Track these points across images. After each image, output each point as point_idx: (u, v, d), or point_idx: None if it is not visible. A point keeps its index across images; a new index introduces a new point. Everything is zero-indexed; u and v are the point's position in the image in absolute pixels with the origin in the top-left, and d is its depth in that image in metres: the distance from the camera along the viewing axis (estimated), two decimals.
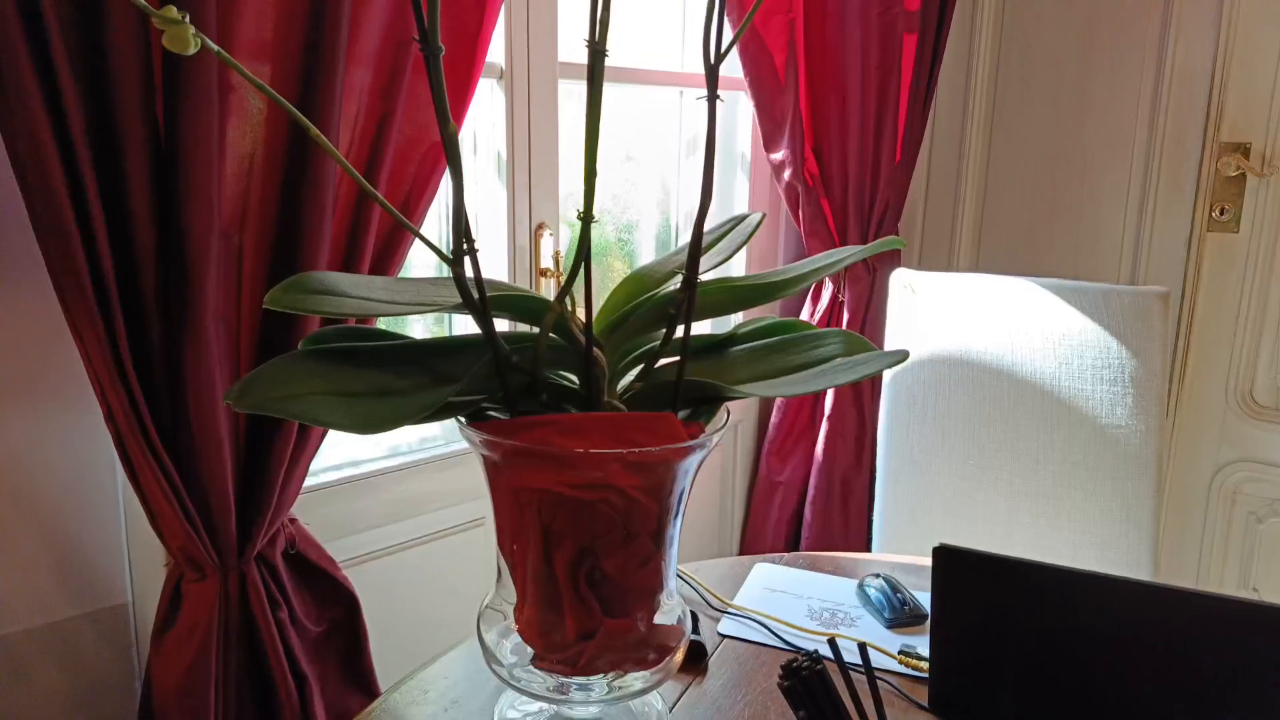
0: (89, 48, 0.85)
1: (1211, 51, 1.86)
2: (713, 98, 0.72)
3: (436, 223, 1.53)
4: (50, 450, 1.02)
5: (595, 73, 0.66)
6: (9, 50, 0.80)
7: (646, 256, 2.04)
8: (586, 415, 0.69)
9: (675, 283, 0.78)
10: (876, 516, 1.52)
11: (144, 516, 0.99)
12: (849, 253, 0.80)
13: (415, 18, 0.59)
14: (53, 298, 0.91)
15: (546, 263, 1.56)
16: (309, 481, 1.27)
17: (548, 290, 1.58)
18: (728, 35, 1.55)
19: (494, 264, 1.53)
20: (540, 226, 1.55)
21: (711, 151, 0.71)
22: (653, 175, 2.01)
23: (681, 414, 0.75)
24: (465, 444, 1.49)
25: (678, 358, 0.74)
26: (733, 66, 1.79)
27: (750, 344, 0.82)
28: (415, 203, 1.15)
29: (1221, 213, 1.88)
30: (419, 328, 1.58)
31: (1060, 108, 2.06)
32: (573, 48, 1.57)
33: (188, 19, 0.56)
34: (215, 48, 0.57)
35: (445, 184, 1.26)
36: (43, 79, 0.82)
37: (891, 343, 1.50)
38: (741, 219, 0.83)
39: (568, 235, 1.66)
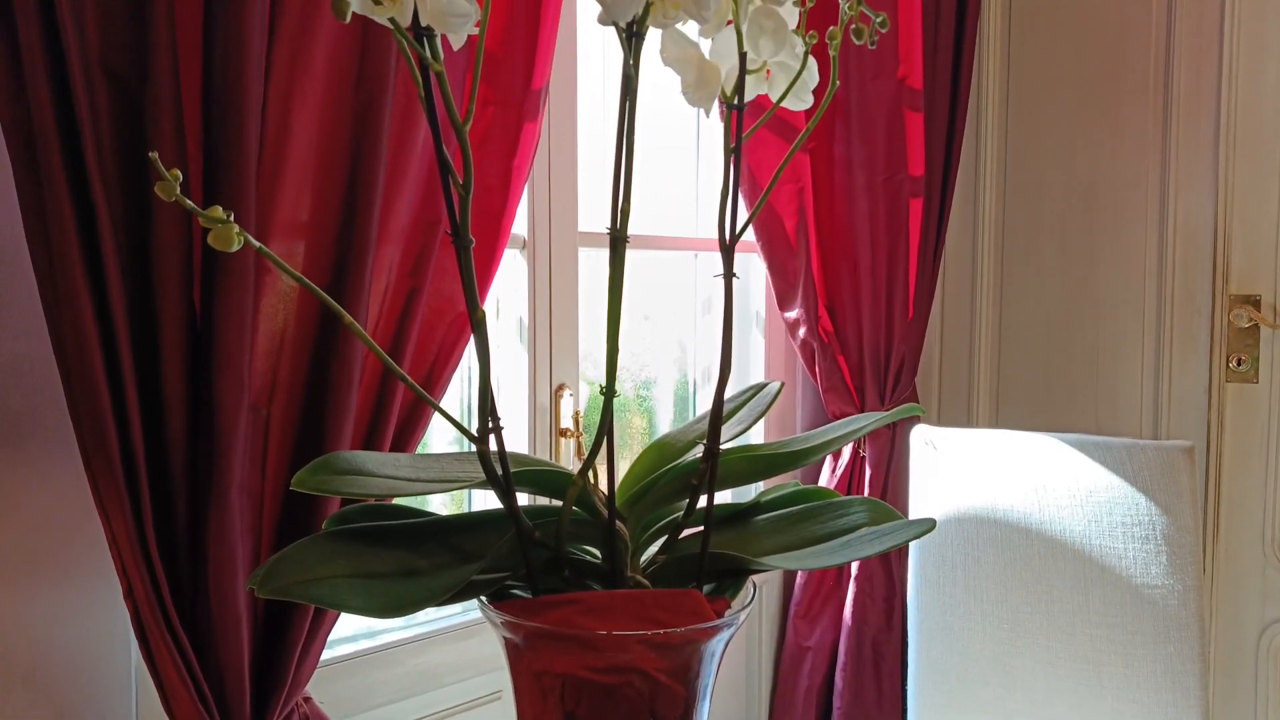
0: (135, 236, 0.90)
1: (1212, 207, 1.92)
2: (729, 275, 0.74)
3: (459, 384, 1.55)
4: (65, 629, 1.01)
5: (617, 257, 0.69)
6: (62, 245, 0.85)
7: (665, 413, 2.06)
8: (610, 593, 0.68)
9: (697, 451, 0.78)
10: (911, 686, 1.46)
11: (155, 698, 0.97)
12: (868, 420, 0.80)
13: (447, 211, 0.63)
14: (79, 476, 0.92)
15: (566, 423, 1.58)
16: (322, 655, 1.24)
17: (568, 450, 1.58)
18: (743, 215, 1.62)
19: (515, 424, 1.54)
20: (560, 387, 1.58)
21: (729, 326, 0.73)
22: (670, 333, 2.05)
23: (706, 588, 0.73)
24: (481, 614, 1.46)
25: (701, 528, 0.73)
26: (745, 232, 1.86)
27: (774, 513, 0.81)
28: (440, 371, 1.18)
29: (1239, 363, 1.89)
30: (440, 500, 1.57)
31: (1068, 263, 2.11)
32: (592, 217, 1.63)
33: (232, 217, 0.59)
34: (256, 244, 0.60)
35: (469, 351, 1.29)
36: (90, 273, 0.86)
37: (915, 502, 1.48)
38: (761, 388, 0.85)
39: (586, 393, 1.68)
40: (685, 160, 1.98)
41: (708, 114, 0.76)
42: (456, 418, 1.58)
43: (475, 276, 0.64)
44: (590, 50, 1.62)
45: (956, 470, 1.45)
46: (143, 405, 0.91)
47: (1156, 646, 1.30)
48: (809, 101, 0.79)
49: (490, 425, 0.65)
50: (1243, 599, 1.91)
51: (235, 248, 0.58)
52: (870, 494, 1.87)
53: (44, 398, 0.99)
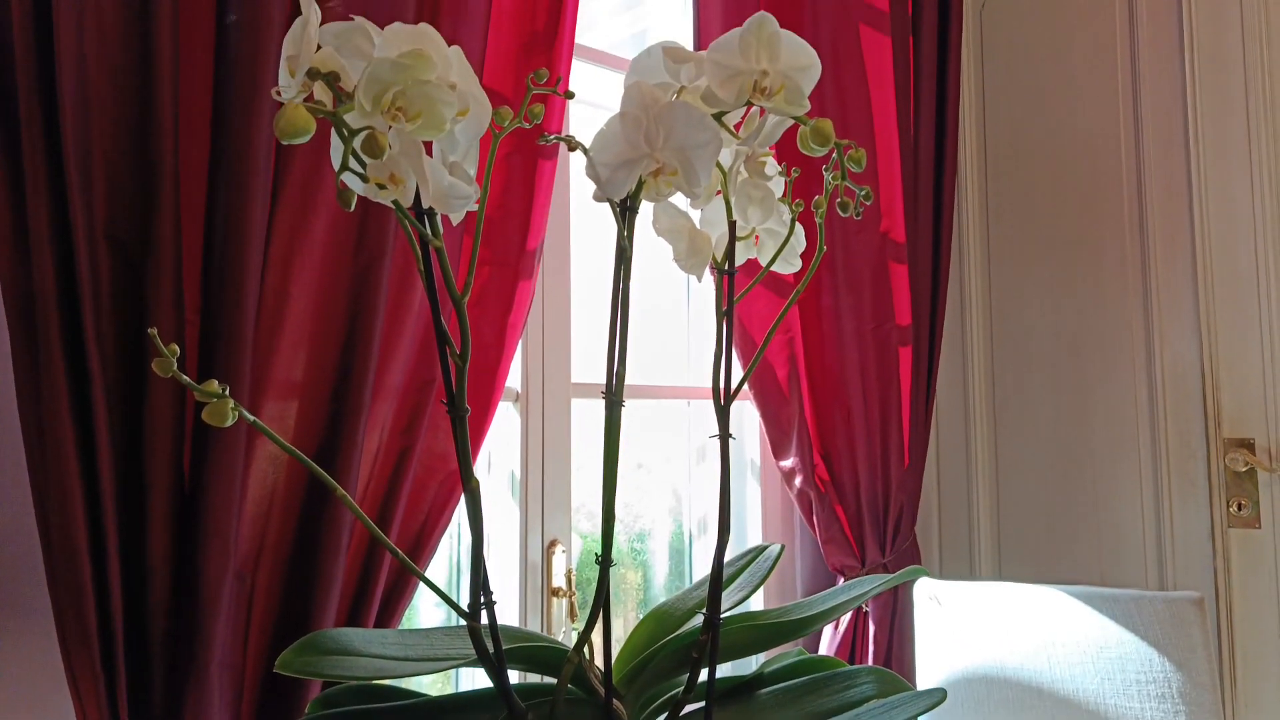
0: (128, 406, 0.89)
1: (1197, 351, 1.94)
2: (724, 436, 0.74)
3: (447, 540, 1.52)
4: None
5: (613, 421, 0.68)
6: (54, 411, 0.84)
7: (660, 566, 2.01)
8: None
9: (696, 620, 0.75)
10: None
11: None
12: (872, 584, 0.78)
13: (443, 380, 0.63)
14: (53, 656, 0.88)
15: (559, 580, 1.53)
16: None
17: (560, 611, 1.53)
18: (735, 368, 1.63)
19: (505, 583, 1.50)
20: (553, 543, 1.54)
21: (726, 487, 0.72)
22: (664, 482, 2.03)
23: None
24: None
25: (703, 703, 0.70)
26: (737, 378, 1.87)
27: (778, 685, 0.78)
28: (430, 531, 1.16)
29: (1239, 508, 1.87)
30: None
31: (1060, 408, 2.12)
32: (585, 367, 1.64)
33: (228, 390, 0.59)
34: (250, 418, 0.59)
35: (461, 508, 1.27)
36: (81, 440, 0.85)
37: (923, 661, 1.43)
38: (760, 550, 0.83)
39: (579, 548, 1.64)
40: (677, 307, 2.01)
41: (700, 280, 0.77)
42: (445, 576, 1.53)
43: (470, 442, 0.63)
44: (582, 202, 1.67)
45: (963, 626, 1.40)
46: (124, 575, 0.88)
47: None
48: (798, 265, 0.81)
49: (483, 600, 0.63)
50: None
51: (229, 423, 0.58)
52: (875, 654, 1.81)
53: (21, 567, 0.96)
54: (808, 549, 2.02)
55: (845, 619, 1.89)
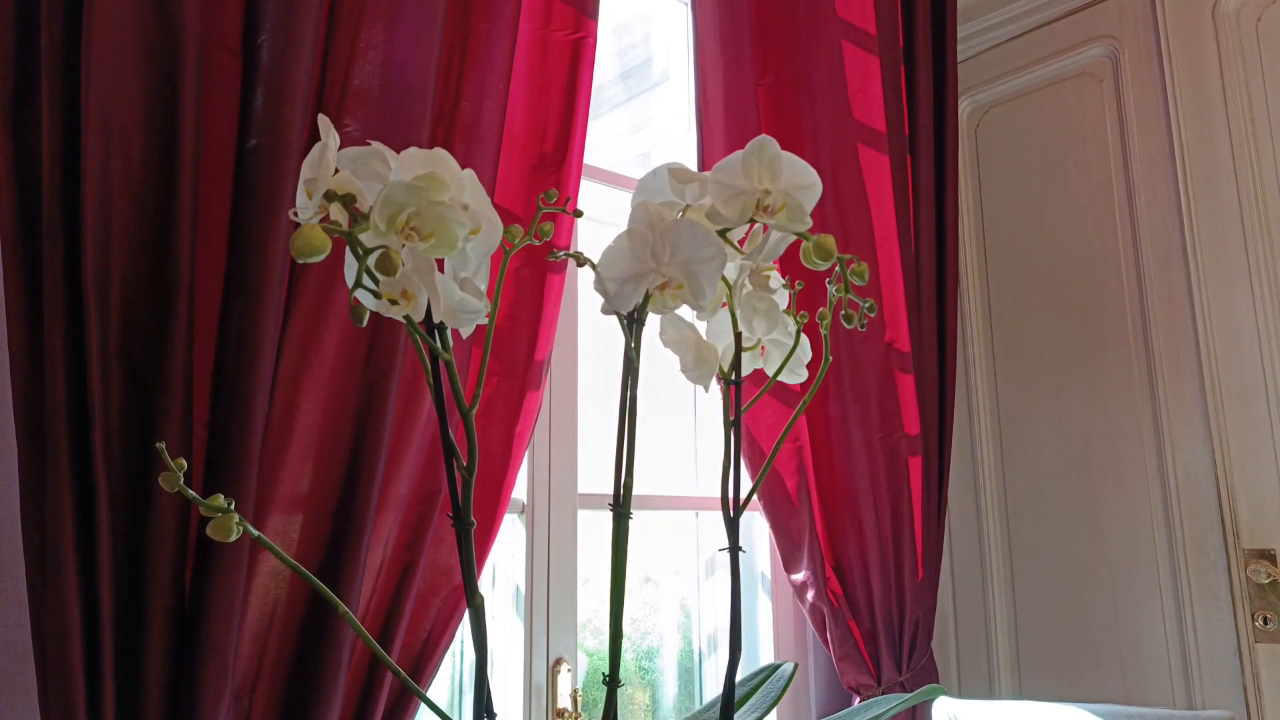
0: (132, 521, 0.89)
1: (1210, 461, 1.92)
2: (735, 549, 0.73)
3: (451, 658, 1.48)
4: None
5: (620, 534, 0.67)
6: (57, 525, 0.84)
7: (669, 686, 1.95)
8: None
9: None
10: None
11: None
12: (889, 705, 0.76)
13: (450, 493, 0.62)
14: None
15: (564, 702, 1.48)
16: None
17: None
18: (744, 480, 1.62)
19: (509, 703, 1.45)
20: (558, 662, 1.50)
21: (737, 604, 0.71)
22: (672, 597, 1.98)
23: None
24: None
25: None
26: (746, 488, 1.85)
27: None
28: (434, 648, 1.13)
29: (1265, 622, 1.81)
30: None
31: (1074, 519, 2.09)
32: (592, 478, 1.63)
33: (233, 504, 0.58)
34: (255, 533, 0.59)
35: (464, 624, 1.24)
36: (82, 557, 0.84)
37: None
38: (774, 669, 0.80)
39: (585, 665, 1.60)
40: (684, 417, 2.01)
41: (706, 390, 0.78)
42: (448, 695, 1.48)
43: (475, 556, 0.62)
44: (590, 311, 1.69)
45: None
46: (118, 696, 0.85)
47: None
48: (804, 375, 0.82)
49: None
50: None
51: (234, 538, 0.57)
52: None
53: (14, 683, 0.93)
54: (822, 666, 1.96)
55: None
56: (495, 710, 0.63)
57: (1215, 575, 1.89)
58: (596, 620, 1.75)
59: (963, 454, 2.21)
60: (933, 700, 1.44)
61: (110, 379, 0.91)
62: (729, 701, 0.67)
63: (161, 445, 0.59)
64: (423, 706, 1.09)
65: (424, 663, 1.12)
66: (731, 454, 0.74)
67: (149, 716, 0.86)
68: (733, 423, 0.75)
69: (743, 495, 0.72)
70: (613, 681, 0.64)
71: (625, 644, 1.89)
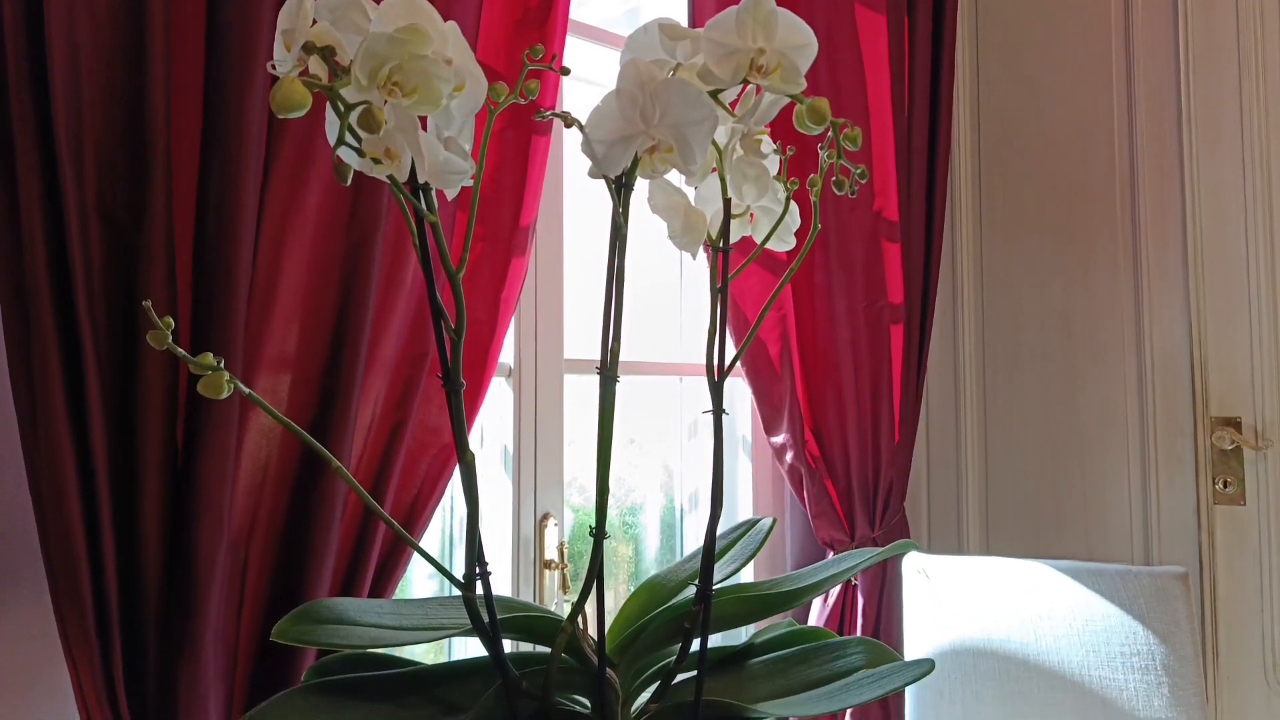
0: (121, 382, 0.89)
1: (1186, 333, 1.96)
2: (718, 411, 0.74)
3: (441, 514, 1.53)
4: None
5: (607, 399, 0.69)
6: (46, 388, 0.84)
7: (652, 539, 2.02)
8: None
9: (688, 592, 0.76)
10: None
11: None
12: (861, 558, 0.79)
13: (439, 354, 0.63)
14: (48, 621, 0.89)
15: (551, 554, 1.55)
16: None
17: (552, 583, 1.55)
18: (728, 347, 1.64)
19: (498, 556, 1.51)
20: (545, 517, 1.55)
21: (719, 463, 0.73)
22: (655, 458, 2.04)
23: None
24: None
25: (694, 673, 0.71)
26: (730, 354, 1.88)
27: (769, 655, 0.79)
28: (424, 504, 1.16)
29: (1225, 485, 1.89)
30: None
31: (1050, 388, 2.14)
32: (578, 344, 1.65)
33: (222, 364, 0.59)
34: (245, 390, 0.60)
35: (454, 481, 1.28)
36: (73, 416, 0.85)
37: (911, 634, 1.45)
38: (752, 524, 0.84)
39: (571, 521, 1.66)
40: (670, 284, 2.01)
41: (694, 257, 0.78)
42: (438, 549, 1.54)
43: (464, 416, 0.64)
44: (576, 177, 1.66)
45: (951, 599, 1.42)
46: (118, 548, 0.88)
47: None
48: (792, 243, 0.82)
49: (478, 570, 0.63)
50: None
51: (225, 395, 0.58)
52: (864, 626, 1.83)
53: (14, 538, 0.96)
54: (798, 523, 2.04)
55: (834, 592, 1.91)
56: (487, 560, 0.66)
57: (1182, 442, 1.95)
58: (582, 479, 1.80)
59: (944, 324, 2.24)
60: (903, 555, 1.51)
61: (90, 239, 0.90)
62: (710, 552, 0.70)
63: (147, 304, 0.59)
64: (415, 557, 1.14)
65: (415, 518, 1.16)
66: (717, 320, 0.74)
67: (149, 565, 0.89)
68: (720, 290, 0.75)
69: (727, 361, 0.73)
70: (599, 532, 0.67)
71: (610, 502, 1.96)
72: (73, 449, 0.85)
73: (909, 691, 1.42)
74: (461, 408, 0.62)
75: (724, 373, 0.74)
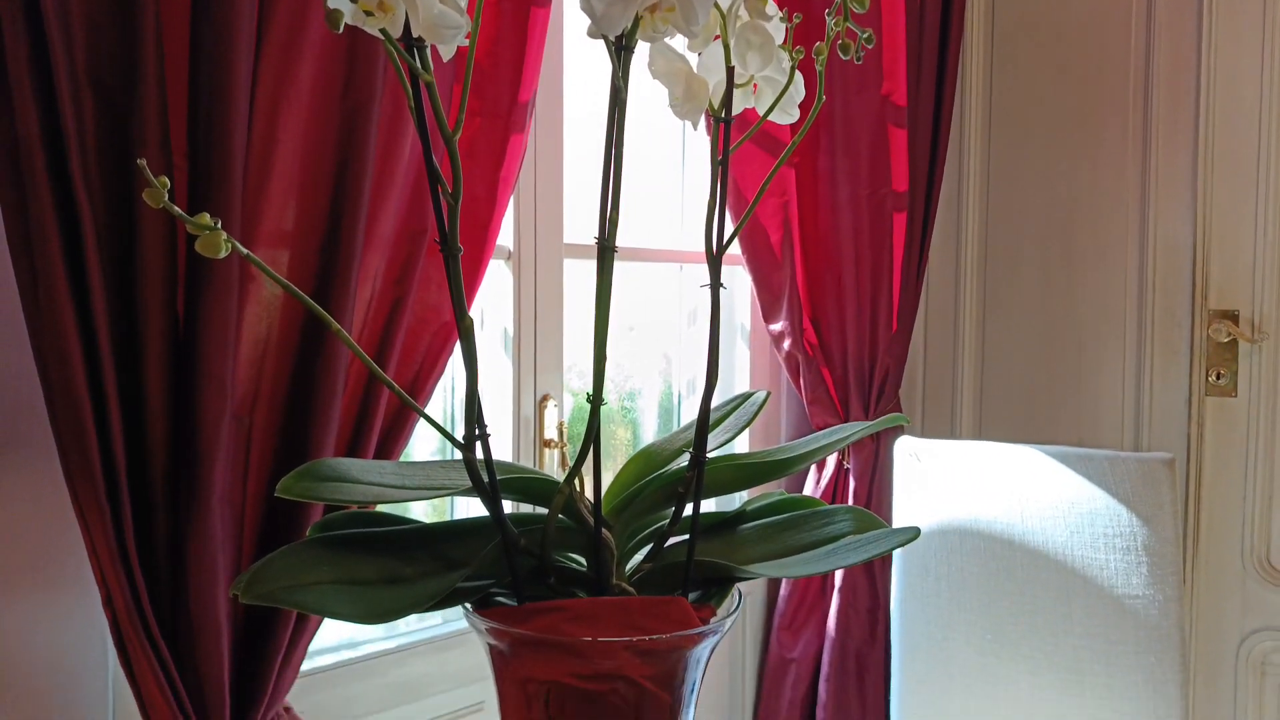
0: (119, 249, 0.89)
1: (1191, 225, 1.95)
2: (715, 285, 0.75)
3: (441, 395, 1.55)
4: (42, 636, 1.00)
5: (605, 266, 0.69)
6: (46, 258, 0.84)
7: (649, 424, 2.06)
8: (596, 601, 0.68)
9: (683, 460, 0.78)
10: (894, 694, 1.46)
11: (133, 708, 0.96)
12: (853, 430, 0.81)
13: (436, 220, 0.63)
14: (59, 484, 0.91)
15: (551, 433, 1.58)
16: (303, 665, 1.23)
17: (552, 461, 1.58)
18: (728, 226, 1.62)
19: (499, 435, 1.54)
20: (545, 398, 1.58)
21: (716, 335, 0.74)
22: (654, 345, 2.05)
23: (692, 596, 0.73)
24: (464, 624, 1.45)
25: (686, 536, 0.74)
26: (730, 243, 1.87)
27: (759, 521, 0.81)
28: (424, 380, 1.18)
29: (1218, 377, 1.91)
30: (423, 507, 1.57)
31: (1050, 278, 2.13)
32: (578, 228, 1.64)
33: (219, 224, 0.59)
34: (244, 250, 0.60)
35: (454, 359, 1.29)
36: (73, 283, 0.85)
37: (900, 513, 1.49)
38: (747, 397, 0.85)
39: (571, 404, 1.68)
40: (671, 173, 1.99)
41: (695, 127, 0.76)
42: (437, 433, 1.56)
43: (463, 289, 0.64)
44: (577, 61, 1.62)
45: (941, 482, 1.45)
46: (124, 415, 0.90)
47: (1138, 656, 1.31)
48: (795, 116, 0.80)
49: (477, 432, 0.65)
50: (1223, 610, 1.92)
51: (223, 254, 0.58)
52: (854, 505, 1.88)
53: (24, 406, 0.98)
54: (793, 410, 2.07)
55: (827, 474, 1.95)
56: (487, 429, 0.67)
57: (1179, 334, 1.96)
58: (581, 364, 1.82)
59: (948, 212, 2.22)
60: (896, 439, 1.54)
61: (83, 107, 0.88)
62: (704, 420, 0.71)
63: (142, 162, 0.59)
64: (418, 427, 1.16)
65: (416, 394, 1.18)
66: (717, 192, 0.74)
67: (154, 432, 0.91)
68: (721, 162, 0.74)
69: (726, 237, 0.73)
70: (596, 397, 0.68)
71: (608, 386, 1.98)
72: (75, 317, 0.85)
73: (895, 568, 1.47)
74: (459, 274, 0.62)
75: (722, 248, 0.74)
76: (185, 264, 0.94)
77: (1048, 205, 2.13)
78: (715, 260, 0.74)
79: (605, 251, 0.69)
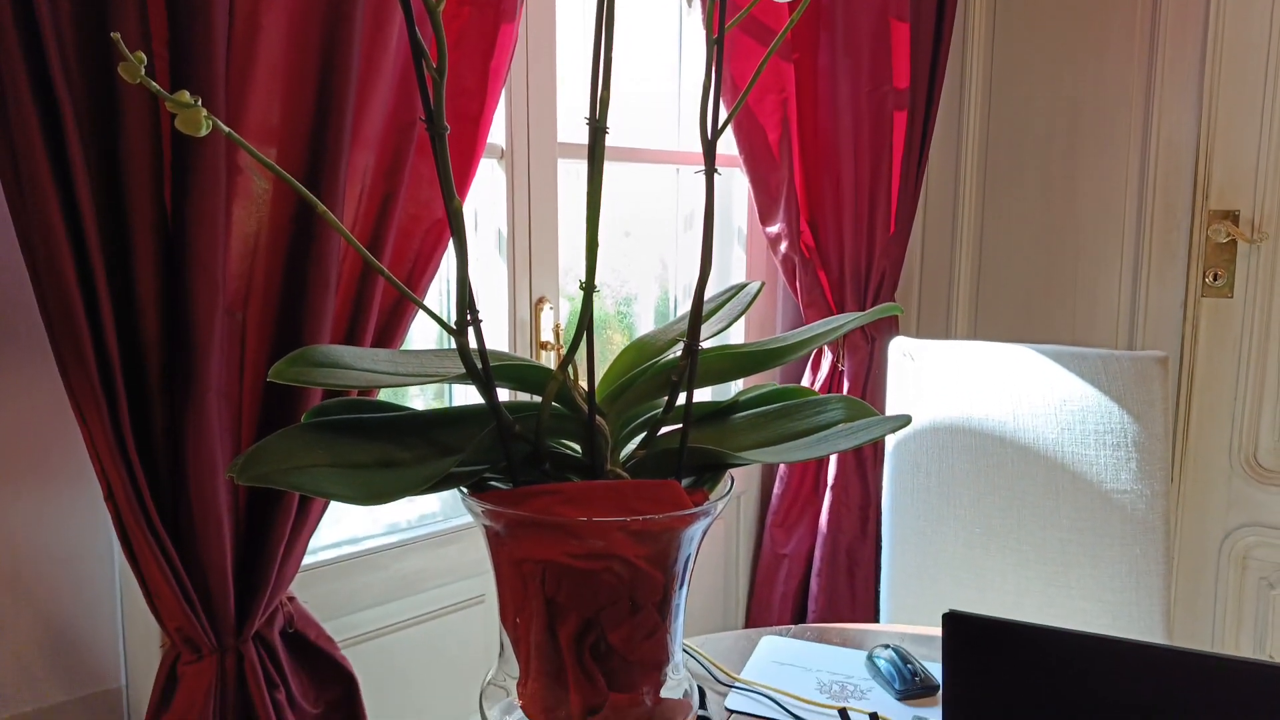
0: (103, 136, 0.87)
1: (1195, 125, 1.91)
2: (710, 171, 0.73)
3: (437, 298, 1.54)
4: (48, 530, 1.02)
5: (596, 150, 0.67)
6: (27, 144, 0.82)
7: (645, 329, 2.05)
8: (590, 484, 0.69)
9: (677, 350, 0.78)
10: (883, 586, 1.50)
11: (140, 598, 0.98)
12: (848, 319, 0.81)
13: (421, 99, 0.61)
14: (56, 379, 0.91)
15: (547, 336, 1.57)
16: (306, 560, 1.26)
17: (547, 363, 1.58)
18: (724, 114, 1.59)
19: (495, 339, 1.54)
20: (540, 300, 1.57)
21: (710, 221, 0.73)
22: (650, 250, 2.03)
23: (685, 482, 0.74)
24: (464, 520, 1.48)
25: (680, 425, 0.74)
26: (727, 143, 1.84)
27: (752, 410, 0.82)
28: (418, 279, 1.17)
29: (1215, 278, 1.90)
30: (419, 402, 1.58)
31: (1050, 180, 2.10)
32: (571, 128, 1.61)
33: (199, 103, 0.57)
34: (226, 129, 0.58)
35: (447, 260, 1.28)
36: (57, 171, 0.84)
37: (893, 411, 1.50)
38: (741, 287, 0.85)
39: (567, 309, 1.68)
40: (667, 76, 1.94)
41: (690, 4, 0.74)
42: (434, 333, 1.56)
43: (452, 170, 0.63)
44: None
45: (934, 381, 1.46)
46: (116, 308, 0.89)
47: (1124, 549, 1.34)
48: None
49: (470, 318, 0.64)
50: (1208, 506, 1.96)
51: (204, 132, 0.57)
52: None
53: (17, 303, 0.97)
54: (789, 314, 2.07)
55: (821, 374, 1.96)
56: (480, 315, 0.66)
57: (1177, 235, 1.95)
58: (577, 268, 1.81)
59: (950, 111, 2.18)
60: (891, 339, 1.54)
61: None
62: (698, 308, 0.71)
63: (117, 35, 0.57)
64: (410, 336, 1.16)
65: (410, 291, 1.17)
66: (713, 74, 0.72)
67: (147, 326, 0.90)
68: (715, 40, 0.72)
69: (721, 121, 0.71)
70: (589, 281, 0.67)
71: (604, 291, 1.97)
72: (59, 203, 0.84)
73: (887, 466, 1.49)
74: (446, 153, 0.61)
75: (717, 132, 0.73)
76: (171, 157, 0.92)
77: (1051, 102, 2.09)
78: (710, 146, 0.73)
79: (597, 133, 0.68)
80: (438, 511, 1.49)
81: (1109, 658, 0.71)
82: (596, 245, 0.70)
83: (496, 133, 1.49)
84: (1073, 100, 2.06)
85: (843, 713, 0.63)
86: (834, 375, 1.96)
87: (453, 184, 0.62)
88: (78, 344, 0.87)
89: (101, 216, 0.87)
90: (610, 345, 1.99)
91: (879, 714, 0.89)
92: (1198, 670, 0.69)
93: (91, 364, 0.88)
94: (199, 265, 0.91)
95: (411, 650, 1.40)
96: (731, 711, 0.92)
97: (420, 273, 1.16)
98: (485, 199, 1.53)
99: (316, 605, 1.19)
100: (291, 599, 1.10)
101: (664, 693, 0.70)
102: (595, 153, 0.69)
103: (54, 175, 0.84)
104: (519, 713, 0.70)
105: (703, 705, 0.91)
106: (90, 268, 0.86)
